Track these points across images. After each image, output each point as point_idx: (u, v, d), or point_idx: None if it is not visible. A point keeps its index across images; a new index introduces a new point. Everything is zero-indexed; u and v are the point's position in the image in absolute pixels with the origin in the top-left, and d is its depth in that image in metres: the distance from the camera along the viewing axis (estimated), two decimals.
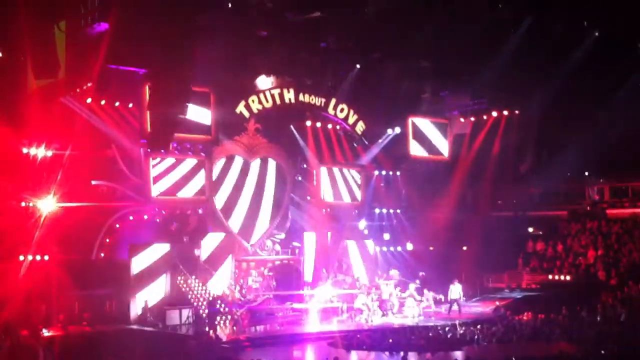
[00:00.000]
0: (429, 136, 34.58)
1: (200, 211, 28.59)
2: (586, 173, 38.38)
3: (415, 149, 34.19)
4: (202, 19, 25.36)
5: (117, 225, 26.79)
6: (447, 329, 24.55)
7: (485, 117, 35.60)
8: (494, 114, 35.05)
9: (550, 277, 33.05)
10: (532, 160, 36.04)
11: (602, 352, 19.42)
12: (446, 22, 28.51)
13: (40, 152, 25.19)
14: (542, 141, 35.20)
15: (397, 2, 29.23)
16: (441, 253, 33.95)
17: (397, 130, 34.32)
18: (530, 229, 37.32)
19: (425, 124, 34.49)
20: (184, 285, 26.81)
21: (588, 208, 37.42)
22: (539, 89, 31.07)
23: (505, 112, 34.65)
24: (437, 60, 31.40)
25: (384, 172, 35.42)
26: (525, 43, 29.13)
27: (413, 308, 28.10)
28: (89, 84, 25.91)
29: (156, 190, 26.83)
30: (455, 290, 28.70)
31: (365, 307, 27.29)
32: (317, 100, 32.33)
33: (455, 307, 28.34)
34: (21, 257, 24.04)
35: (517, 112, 34.37)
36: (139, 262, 26.18)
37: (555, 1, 28.82)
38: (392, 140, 34.52)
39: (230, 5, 27.32)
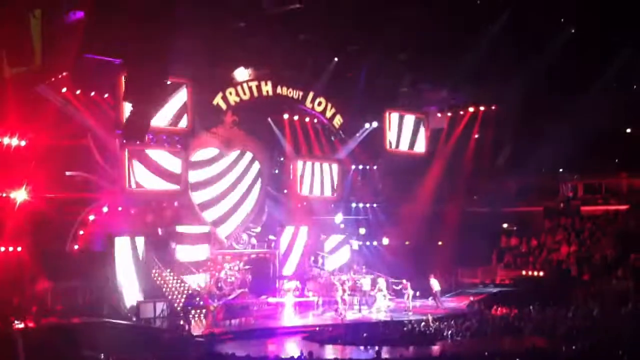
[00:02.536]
0: (406, 131, 34.60)
1: (175, 203, 28.43)
2: (560, 169, 38.72)
3: (392, 144, 34.22)
4: (180, 9, 25.08)
5: (92, 217, 26.47)
6: (421, 324, 24.74)
7: (462, 112, 35.78)
8: (471, 109, 35.24)
9: (523, 272, 33.36)
10: (508, 156, 36.27)
11: (574, 347, 19.64)
12: (424, 15, 28.54)
13: (14, 141, 24.81)
14: (518, 137, 35.41)
15: None
16: (417, 248, 34.11)
17: (375, 124, 34.33)
18: (505, 225, 37.60)
19: (402, 118, 34.51)
20: (159, 279, 26.69)
21: (562, 205, 37.76)
22: (515, 84, 31.21)
23: (482, 108, 34.88)
24: (415, 54, 31.40)
25: (360, 166, 35.47)
26: (503, 37, 29.20)
27: (384, 302, 28.49)
28: (64, 73, 25.55)
29: (131, 181, 26.64)
30: (435, 283, 29.13)
31: (341, 301, 27.38)
32: (295, 93, 32.16)
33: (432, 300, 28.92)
34: None
35: (493, 107, 34.59)
36: (114, 254, 26.03)
37: None
38: (370, 135, 34.52)
39: None
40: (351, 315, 27.21)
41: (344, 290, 28.01)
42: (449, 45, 29.31)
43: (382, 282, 29.40)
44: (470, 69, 30.24)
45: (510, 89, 31.68)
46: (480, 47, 29.45)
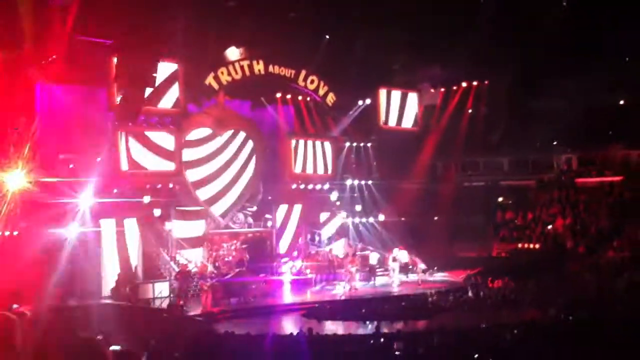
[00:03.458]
0: (399, 107, 34.62)
1: (171, 185, 28.32)
2: (554, 143, 38.81)
3: (386, 120, 34.22)
4: None
5: (87, 201, 26.35)
6: (419, 297, 24.89)
7: (455, 88, 35.76)
8: (464, 84, 35.21)
9: (519, 245, 33.51)
10: (501, 131, 36.33)
11: (570, 318, 19.76)
12: None
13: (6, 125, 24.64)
14: (512, 111, 35.47)
15: None
16: (413, 224, 34.21)
17: (368, 101, 34.28)
18: (500, 199, 37.72)
19: (395, 95, 34.50)
20: (157, 260, 26.72)
21: (556, 177, 37.84)
22: (508, 59, 31.17)
23: (475, 83, 34.83)
24: (407, 30, 31.31)
25: (354, 144, 35.43)
26: (496, 13, 29.11)
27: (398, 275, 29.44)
28: (54, 56, 25.38)
29: (126, 163, 26.54)
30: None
31: (348, 275, 27.66)
32: (287, 72, 32.12)
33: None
34: None
35: (486, 82, 34.52)
36: (111, 237, 26.12)
37: None
38: (363, 112, 34.48)
39: None
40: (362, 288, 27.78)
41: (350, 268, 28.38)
42: (443, 22, 29.28)
43: (400, 253, 30.06)
44: (463, 44, 30.22)
45: (503, 64, 31.67)
46: (474, 23, 29.39)
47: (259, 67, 31.02)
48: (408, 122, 34.74)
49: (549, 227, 33.57)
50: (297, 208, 32.21)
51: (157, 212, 27.55)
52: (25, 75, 25.19)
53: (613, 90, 35.69)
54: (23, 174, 24.47)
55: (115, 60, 25.18)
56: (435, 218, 35.05)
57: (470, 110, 35.73)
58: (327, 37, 32.51)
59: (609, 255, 29.65)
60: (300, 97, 33.60)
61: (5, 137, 24.89)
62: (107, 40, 25.53)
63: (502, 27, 29.25)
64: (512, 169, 39.36)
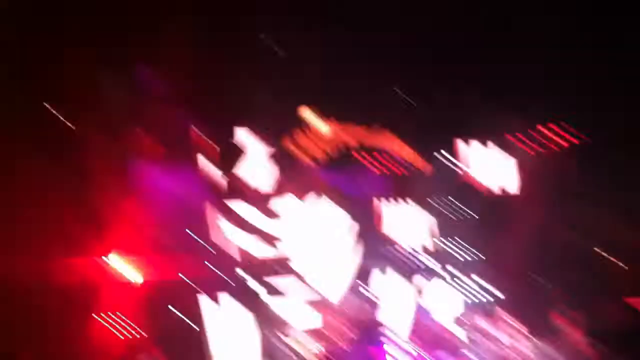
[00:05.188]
0: (481, 159, 33.96)
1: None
2: None
3: (468, 175, 33.46)
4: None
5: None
6: None
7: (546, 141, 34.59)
8: (556, 137, 33.95)
9: None
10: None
11: None
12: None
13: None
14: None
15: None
16: None
17: (448, 155, 33.65)
18: None
19: (477, 147, 33.83)
20: None
21: None
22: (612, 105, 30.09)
23: (572, 136, 33.39)
24: (486, 78, 30.77)
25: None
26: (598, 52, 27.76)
27: None
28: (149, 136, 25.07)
29: (225, 240, 26.17)
30: None
31: None
32: (361, 130, 31.79)
33: None
34: None
35: (585, 135, 32.98)
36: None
37: None
38: (443, 167, 33.93)
39: None
40: None
41: None
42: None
43: None
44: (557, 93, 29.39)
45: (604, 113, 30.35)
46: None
47: (333, 127, 30.66)
48: (493, 175, 33.82)
49: None
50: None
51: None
52: (119, 156, 24.84)
53: None
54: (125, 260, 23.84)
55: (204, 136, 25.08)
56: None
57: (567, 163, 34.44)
58: (396, 90, 32.03)
59: None
60: (378, 155, 33.14)
61: (102, 220, 24.43)
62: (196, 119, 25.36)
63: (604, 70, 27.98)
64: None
